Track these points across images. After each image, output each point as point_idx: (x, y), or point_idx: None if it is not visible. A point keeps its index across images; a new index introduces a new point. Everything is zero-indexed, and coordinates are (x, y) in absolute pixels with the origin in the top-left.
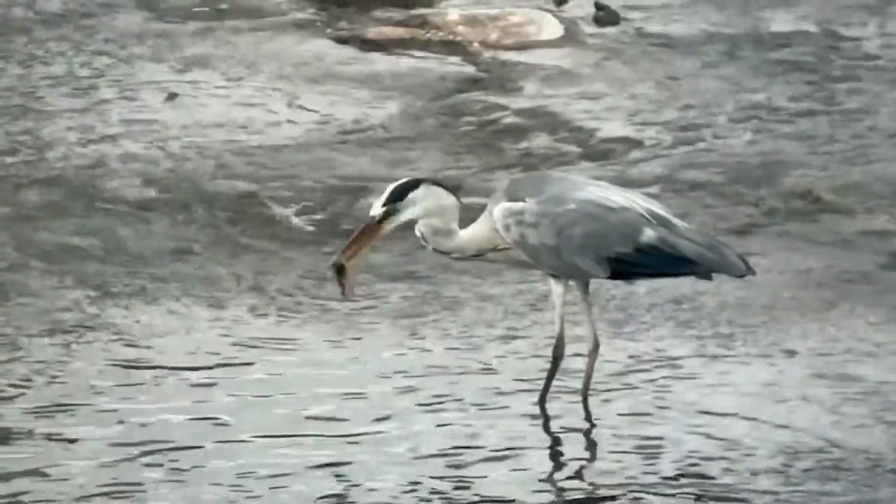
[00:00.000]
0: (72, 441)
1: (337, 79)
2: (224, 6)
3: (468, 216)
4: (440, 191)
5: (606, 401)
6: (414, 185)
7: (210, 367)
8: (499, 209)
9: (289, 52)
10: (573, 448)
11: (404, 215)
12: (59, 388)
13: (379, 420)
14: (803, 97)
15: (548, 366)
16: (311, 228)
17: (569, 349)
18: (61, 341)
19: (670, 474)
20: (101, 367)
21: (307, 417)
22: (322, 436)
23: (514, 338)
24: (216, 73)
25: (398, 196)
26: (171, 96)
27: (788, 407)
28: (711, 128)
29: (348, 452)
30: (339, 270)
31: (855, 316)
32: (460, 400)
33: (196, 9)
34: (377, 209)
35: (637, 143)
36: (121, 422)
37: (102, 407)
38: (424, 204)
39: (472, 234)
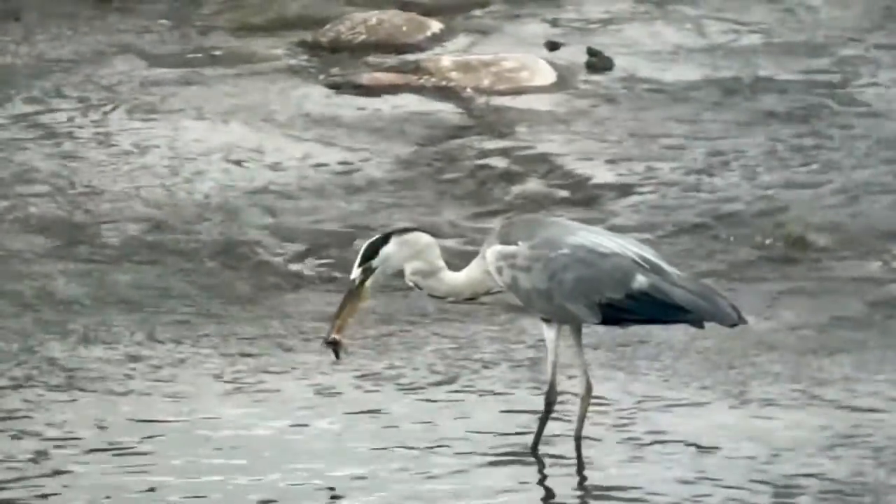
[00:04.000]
0: None
1: (330, 124)
2: (218, 53)
3: (459, 261)
4: (411, 236)
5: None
6: (383, 240)
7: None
8: (491, 252)
9: (281, 98)
10: (566, 494)
11: (381, 272)
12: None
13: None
14: (795, 143)
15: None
16: (309, 273)
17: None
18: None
19: None
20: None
21: None
22: None
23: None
24: (208, 119)
25: (370, 255)
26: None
27: (774, 450)
28: (703, 174)
29: None
30: (335, 344)
31: (845, 362)
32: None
33: (190, 55)
34: (355, 272)
35: (629, 189)
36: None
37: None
38: (399, 255)
39: (465, 277)
